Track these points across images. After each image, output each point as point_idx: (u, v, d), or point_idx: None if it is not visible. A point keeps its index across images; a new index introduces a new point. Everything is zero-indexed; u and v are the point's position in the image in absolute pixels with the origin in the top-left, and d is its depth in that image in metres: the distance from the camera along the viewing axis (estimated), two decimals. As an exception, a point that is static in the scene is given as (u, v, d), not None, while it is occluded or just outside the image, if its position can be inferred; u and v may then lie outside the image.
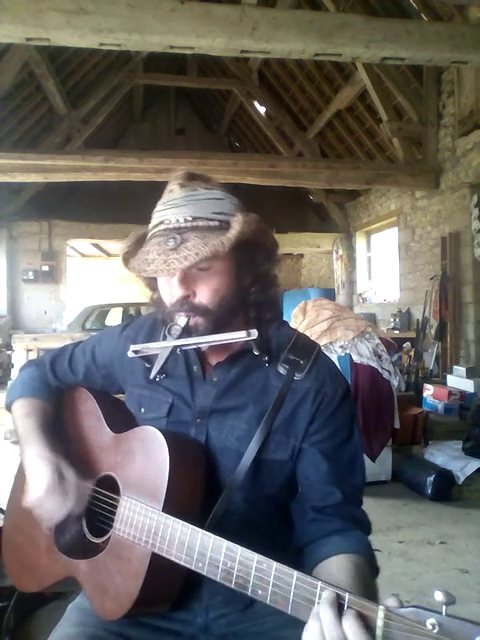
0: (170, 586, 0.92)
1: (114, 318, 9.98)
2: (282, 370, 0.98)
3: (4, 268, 10.00)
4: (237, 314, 0.98)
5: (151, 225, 0.96)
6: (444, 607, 0.60)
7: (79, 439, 1.08)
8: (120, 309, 10.09)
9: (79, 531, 1.01)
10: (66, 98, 8.94)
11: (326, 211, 11.30)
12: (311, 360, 0.99)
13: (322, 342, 3.38)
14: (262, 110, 10.84)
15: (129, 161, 6.97)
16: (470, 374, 5.54)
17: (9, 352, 7.83)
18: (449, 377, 5.73)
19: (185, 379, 1.01)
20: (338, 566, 0.86)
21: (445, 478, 3.49)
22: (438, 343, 6.69)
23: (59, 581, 1.02)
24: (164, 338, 1.01)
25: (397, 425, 3.63)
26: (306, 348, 1.01)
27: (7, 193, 9.57)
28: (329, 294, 9.97)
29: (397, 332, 7.71)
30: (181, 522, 0.84)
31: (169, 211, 0.92)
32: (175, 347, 0.94)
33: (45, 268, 10.14)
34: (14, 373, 5.47)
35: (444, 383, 5.69)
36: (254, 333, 0.90)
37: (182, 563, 0.83)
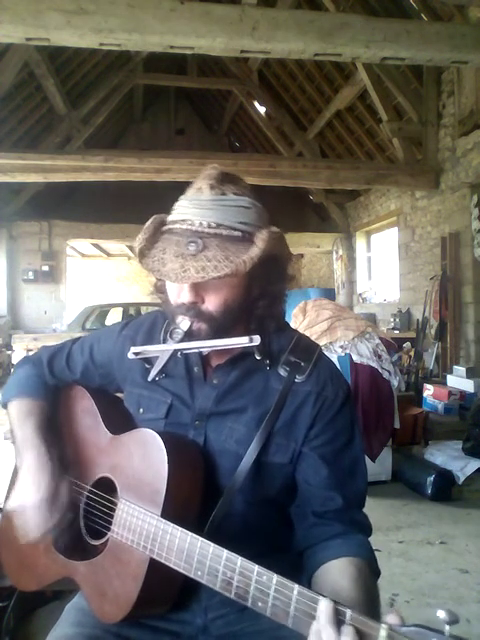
0: (169, 588, 0.91)
1: (114, 318, 9.99)
2: (283, 372, 0.97)
3: (4, 268, 10.00)
4: (239, 322, 0.97)
5: (171, 218, 0.93)
6: (447, 626, 0.58)
7: (76, 439, 1.08)
8: (120, 309, 10.12)
9: (77, 532, 1.00)
10: (66, 98, 8.93)
11: (326, 211, 11.29)
12: (312, 362, 0.99)
13: (322, 342, 3.38)
14: (262, 110, 10.84)
15: (129, 161, 6.97)
16: (470, 374, 5.53)
17: (9, 352, 7.85)
18: (449, 377, 5.72)
19: (185, 379, 1.01)
20: (340, 570, 0.86)
21: (445, 478, 3.49)
22: (438, 343, 6.69)
23: (59, 580, 1.02)
24: (164, 340, 1.01)
25: (397, 425, 3.63)
26: (307, 350, 1.01)
27: (7, 193, 9.56)
28: (329, 294, 9.97)
29: (397, 332, 7.71)
30: (180, 529, 0.83)
31: (194, 211, 0.90)
32: (176, 350, 0.94)
33: (45, 268, 10.14)
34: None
35: (444, 383, 5.68)
36: (257, 339, 0.90)
37: (181, 570, 0.82)
